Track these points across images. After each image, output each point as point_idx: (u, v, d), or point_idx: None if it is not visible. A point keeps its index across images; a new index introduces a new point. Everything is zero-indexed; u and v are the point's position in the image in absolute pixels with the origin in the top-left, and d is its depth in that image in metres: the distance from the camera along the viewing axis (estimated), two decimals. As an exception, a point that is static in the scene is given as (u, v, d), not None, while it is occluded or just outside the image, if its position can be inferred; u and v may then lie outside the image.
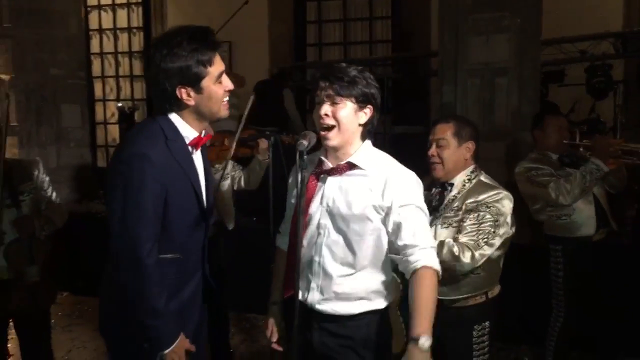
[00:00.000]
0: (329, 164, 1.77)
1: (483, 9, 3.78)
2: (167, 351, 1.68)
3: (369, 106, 1.72)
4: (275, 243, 1.99)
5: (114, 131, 7.55)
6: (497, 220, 2.06)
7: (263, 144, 2.96)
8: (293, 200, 1.84)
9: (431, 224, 2.05)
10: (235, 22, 6.82)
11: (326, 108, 1.68)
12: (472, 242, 2.03)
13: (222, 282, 2.71)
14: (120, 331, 1.76)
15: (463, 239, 2.04)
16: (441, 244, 2.01)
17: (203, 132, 1.79)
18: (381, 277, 1.77)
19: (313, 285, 1.76)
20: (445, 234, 2.11)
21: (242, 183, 3.15)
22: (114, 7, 7.63)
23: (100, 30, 7.68)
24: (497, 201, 2.09)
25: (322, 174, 1.78)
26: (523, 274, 3.25)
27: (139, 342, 1.70)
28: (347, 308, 1.74)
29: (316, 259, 1.76)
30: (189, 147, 1.74)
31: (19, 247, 2.51)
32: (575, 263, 2.89)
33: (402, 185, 1.70)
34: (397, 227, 1.68)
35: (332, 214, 1.74)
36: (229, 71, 5.89)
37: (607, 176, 2.89)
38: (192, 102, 1.68)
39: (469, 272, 2.09)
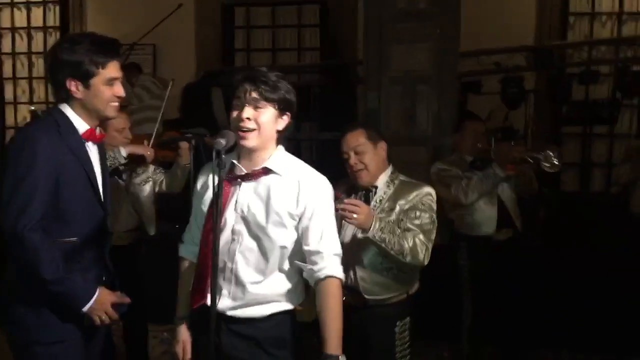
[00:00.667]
0: (242, 169, 1.76)
1: (405, 19, 3.91)
2: (86, 308, 1.77)
3: (287, 113, 1.76)
4: (179, 253, 1.94)
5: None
6: (432, 216, 2.20)
7: (184, 146, 2.88)
8: (203, 206, 1.81)
9: (363, 231, 2.10)
10: (161, 25, 6.64)
11: (249, 111, 1.69)
12: (425, 239, 2.14)
13: (140, 291, 2.63)
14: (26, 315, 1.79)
15: (418, 236, 2.14)
16: (405, 234, 2.10)
17: (98, 129, 1.91)
18: (292, 279, 1.79)
19: (224, 292, 1.74)
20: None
21: (164, 187, 3.06)
22: (28, 5, 7.19)
23: (13, 29, 7.21)
24: (427, 197, 2.21)
25: (235, 179, 1.76)
26: (441, 271, 3.34)
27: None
28: (258, 311, 1.76)
29: (229, 265, 1.74)
30: (82, 139, 1.86)
31: None
32: (477, 260, 3.07)
33: (314, 191, 1.75)
34: (305, 231, 1.73)
35: (246, 221, 1.73)
36: (153, 74, 5.78)
37: (509, 180, 3.06)
38: (79, 96, 1.82)
39: (398, 271, 2.21)
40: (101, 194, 1.90)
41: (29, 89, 7.27)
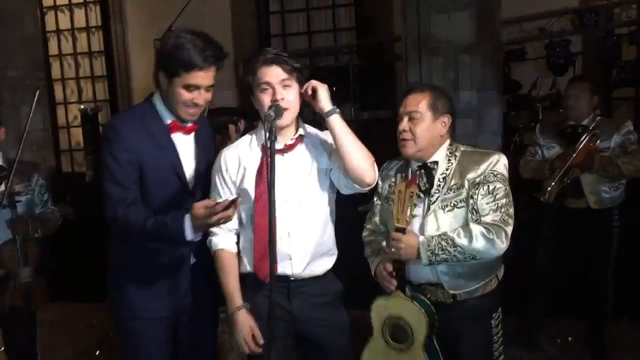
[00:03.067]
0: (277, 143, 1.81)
1: (444, -12, 3.82)
2: (189, 235, 1.73)
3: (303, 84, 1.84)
4: (213, 247, 1.92)
5: (77, 134, 7.37)
6: (507, 188, 1.88)
7: (232, 129, 2.93)
8: (245, 185, 1.86)
9: (428, 210, 1.89)
10: (197, 17, 6.72)
11: (280, 92, 1.78)
12: (499, 219, 1.81)
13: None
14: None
15: (487, 218, 1.82)
16: (469, 233, 1.79)
17: (189, 123, 1.93)
18: (331, 229, 1.95)
19: (294, 257, 1.85)
20: (450, 218, 1.87)
21: None
22: (70, 7, 7.43)
23: (58, 31, 7.47)
24: (498, 166, 1.88)
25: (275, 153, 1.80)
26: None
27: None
28: (322, 266, 1.91)
29: (292, 231, 1.84)
30: (168, 128, 1.90)
31: (12, 248, 2.52)
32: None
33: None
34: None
35: (295, 186, 1.84)
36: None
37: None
38: (164, 87, 1.87)
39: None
40: (188, 183, 1.93)
41: (77, 88, 7.54)
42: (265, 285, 1.79)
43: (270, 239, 1.59)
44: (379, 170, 1.90)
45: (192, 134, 1.97)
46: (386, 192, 2.04)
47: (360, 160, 1.75)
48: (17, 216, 2.53)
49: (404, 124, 1.92)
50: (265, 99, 1.77)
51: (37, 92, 2.81)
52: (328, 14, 6.92)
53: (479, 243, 1.77)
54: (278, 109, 1.72)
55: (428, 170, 1.92)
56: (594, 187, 2.88)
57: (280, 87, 1.77)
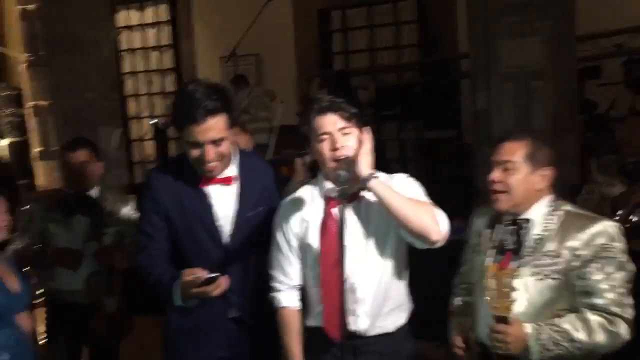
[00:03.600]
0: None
1: (513, 11, 3.70)
2: (174, 292, 1.76)
3: (365, 126, 1.79)
4: (276, 304, 1.85)
5: (149, 148, 7.70)
6: (623, 263, 1.64)
7: (299, 162, 2.94)
8: (309, 240, 1.80)
9: (516, 275, 1.66)
10: (261, 34, 6.88)
11: (341, 139, 1.73)
12: (617, 305, 1.60)
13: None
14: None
15: (602, 303, 1.61)
16: (587, 325, 1.59)
17: (225, 172, 1.88)
18: (405, 281, 1.87)
19: (360, 312, 1.77)
20: (541, 288, 1.67)
21: None
22: (143, 26, 7.79)
23: (131, 50, 7.85)
24: (609, 237, 1.64)
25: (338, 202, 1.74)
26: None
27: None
28: (392, 322, 1.82)
29: (357, 286, 1.77)
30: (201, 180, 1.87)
31: (98, 279, 2.61)
32: None
33: (405, 185, 1.79)
34: None
35: (361, 238, 1.78)
36: (260, 88, 5.99)
37: None
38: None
39: None
40: (220, 237, 1.88)
41: (149, 104, 7.88)
42: (335, 345, 1.75)
43: (342, 299, 1.60)
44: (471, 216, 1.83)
45: (235, 184, 1.89)
46: (474, 243, 1.89)
47: (416, 221, 1.65)
48: (104, 247, 2.62)
49: (496, 173, 1.74)
50: (325, 149, 1.74)
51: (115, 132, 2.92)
52: (391, 31, 6.87)
53: (600, 336, 1.58)
54: (349, 165, 1.67)
55: (519, 227, 1.70)
56: None
57: (339, 135, 1.73)
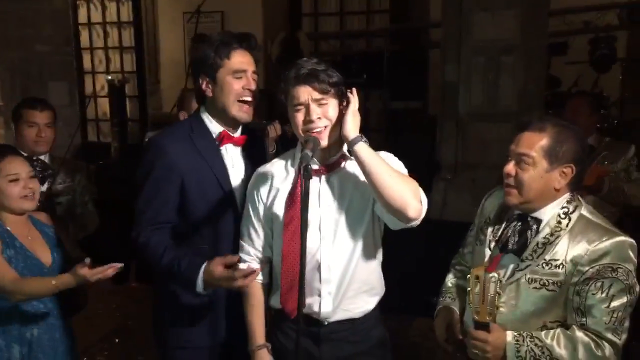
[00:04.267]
0: (317, 164, 1.68)
1: (488, -17, 3.62)
2: (199, 287, 1.66)
3: (346, 97, 1.66)
4: None
5: (104, 105, 7.37)
6: (630, 289, 1.48)
7: (272, 132, 2.80)
8: (276, 211, 1.71)
9: (512, 275, 1.57)
10: (228, -7, 6.58)
11: (316, 110, 1.62)
12: (611, 331, 1.48)
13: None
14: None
15: (594, 325, 1.49)
16: (571, 343, 1.48)
17: (238, 132, 1.85)
18: (378, 263, 1.76)
19: (324, 293, 1.68)
20: (534, 297, 1.55)
21: None
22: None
23: (88, 1, 7.39)
24: (620, 257, 1.48)
25: (313, 175, 1.63)
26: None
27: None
28: (361, 307, 1.72)
29: (324, 264, 1.68)
30: (216, 141, 1.81)
31: None
32: None
33: (390, 159, 1.67)
34: None
35: (332, 214, 1.68)
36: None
37: None
38: (210, 94, 1.79)
39: None
40: (237, 198, 1.82)
41: (105, 58, 7.49)
42: (292, 323, 1.69)
43: (301, 271, 1.49)
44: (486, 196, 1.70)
45: (241, 146, 1.86)
46: (480, 226, 1.74)
47: (397, 193, 1.52)
48: (57, 218, 2.46)
49: (510, 167, 1.56)
50: (299, 119, 1.64)
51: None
52: (362, -5, 6.70)
53: (582, 356, 1.47)
54: (315, 145, 1.57)
55: (525, 226, 1.58)
56: (599, 212, 2.75)
57: (315, 105, 1.62)
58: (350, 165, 1.68)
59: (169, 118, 5.38)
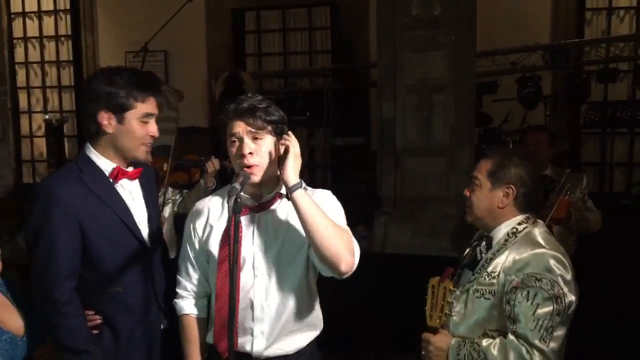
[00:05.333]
0: (252, 201, 1.69)
1: (419, 26, 3.83)
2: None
3: (285, 135, 1.68)
4: (178, 311, 1.77)
5: (41, 145, 7.14)
6: (556, 299, 1.57)
7: (211, 167, 2.82)
8: (211, 248, 1.71)
9: (463, 288, 1.72)
10: (171, 31, 6.61)
11: (250, 145, 1.63)
12: (538, 338, 1.56)
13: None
14: None
15: (524, 332, 1.57)
16: (504, 349, 1.58)
17: (131, 167, 1.78)
18: (314, 301, 1.76)
19: (257, 332, 1.68)
20: (476, 305, 1.68)
21: (181, 209, 3.04)
22: (40, 14, 7.21)
23: (25, 39, 7.24)
24: (544, 267, 1.59)
25: (246, 212, 1.68)
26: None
27: None
28: (294, 344, 1.72)
29: (257, 303, 1.68)
30: (110, 179, 1.74)
31: None
32: None
33: (328, 203, 1.69)
34: None
35: (266, 252, 1.68)
36: (168, 87, 5.81)
37: None
38: (110, 130, 1.71)
39: None
40: (142, 233, 1.78)
41: (43, 97, 7.31)
42: None
43: (232, 309, 1.48)
44: None
45: (137, 180, 1.81)
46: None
47: (331, 248, 1.54)
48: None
49: (466, 190, 1.80)
50: (233, 152, 1.65)
51: None
52: (304, 36, 6.90)
53: None
54: (245, 179, 1.58)
55: (479, 242, 1.76)
56: (564, 240, 2.90)
57: (249, 139, 1.62)
58: (286, 204, 1.68)
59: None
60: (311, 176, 5.76)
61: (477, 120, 4.84)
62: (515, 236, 1.68)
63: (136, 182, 1.81)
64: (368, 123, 5.92)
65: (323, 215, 1.57)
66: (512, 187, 1.71)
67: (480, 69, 5.20)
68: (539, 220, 1.76)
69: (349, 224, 1.71)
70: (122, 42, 6.69)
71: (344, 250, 1.56)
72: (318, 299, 1.79)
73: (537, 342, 1.56)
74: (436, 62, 3.76)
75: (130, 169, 1.79)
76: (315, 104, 5.96)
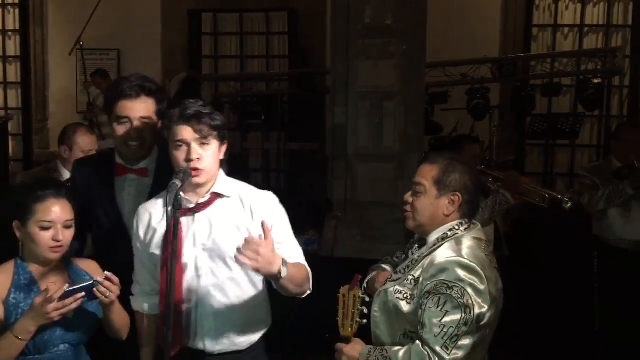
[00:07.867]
0: (191, 201, 1.73)
1: (372, 35, 3.91)
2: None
3: (226, 140, 1.78)
4: (134, 308, 1.83)
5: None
6: (465, 308, 1.56)
7: None
8: (155, 250, 1.75)
9: (384, 286, 1.73)
10: (125, 29, 6.50)
11: (196, 150, 1.68)
12: (440, 345, 1.55)
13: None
14: None
15: (429, 338, 1.57)
16: (408, 354, 1.59)
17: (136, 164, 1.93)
18: (261, 296, 1.81)
19: (206, 329, 1.73)
20: (397, 307, 1.67)
21: None
22: (-15, 7, 6.94)
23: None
24: (458, 277, 1.57)
25: (186, 212, 1.72)
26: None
27: None
28: (246, 339, 1.77)
29: (204, 302, 1.73)
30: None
31: None
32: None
33: (267, 206, 1.78)
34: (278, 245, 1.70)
35: (208, 251, 1.73)
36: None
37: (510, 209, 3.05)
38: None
39: None
40: (128, 231, 1.89)
41: (-13, 93, 7.02)
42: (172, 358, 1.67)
43: (168, 309, 1.52)
44: None
45: (151, 178, 1.93)
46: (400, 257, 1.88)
47: (296, 290, 1.73)
48: None
49: (408, 195, 1.73)
50: (180, 158, 1.69)
51: None
52: (262, 40, 6.91)
53: None
54: (186, 176, 1.62)
55: (419, 247, 1.74)
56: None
57: (196, 144, 1.67)
58: (223, 203, 1.75)
59: (56, 157, 5.12)
60: (265, 180, 5.78)
61: (427, 128, 4.98)
62: (444, 241, 1.67)
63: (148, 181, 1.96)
64: (323, 128, 5.96)
65: (294, 278, 1.69)
66: (458, 194, 1.68)
67: (432, 79, 5.36)
68: (476, 224, 1.74)
69: (300, 228, 1.77)
70: (73, 38, 6.51)
71: (305, 288, 1.77)
72: (266, 294, 1.83)
73: (438, 348, 1.55)
74: (388, 70, 3.84)
75: (135, 166, 1.94)
76: (271, 108, 5.98)
